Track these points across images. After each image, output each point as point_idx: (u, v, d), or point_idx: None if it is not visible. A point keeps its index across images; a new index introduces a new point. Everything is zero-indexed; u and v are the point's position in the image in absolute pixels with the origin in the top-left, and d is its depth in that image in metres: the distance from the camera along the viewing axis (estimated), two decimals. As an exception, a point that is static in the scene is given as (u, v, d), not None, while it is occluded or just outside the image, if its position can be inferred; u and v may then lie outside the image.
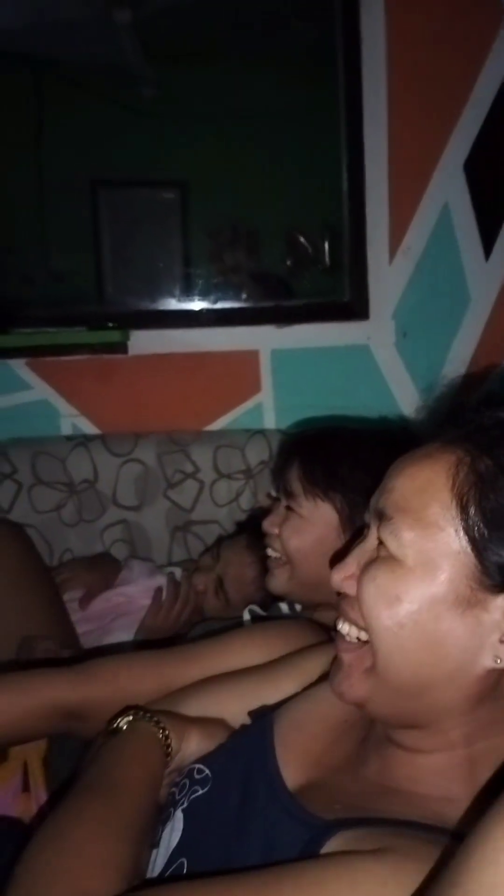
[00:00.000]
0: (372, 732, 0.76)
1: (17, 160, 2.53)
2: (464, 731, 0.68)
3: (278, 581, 1.20)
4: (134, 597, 1.59)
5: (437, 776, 0.69)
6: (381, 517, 0.69)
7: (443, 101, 1.80)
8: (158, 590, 1.53)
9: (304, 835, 0.65)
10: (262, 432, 1.81)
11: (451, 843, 0.58)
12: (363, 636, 0.70)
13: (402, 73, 1.79)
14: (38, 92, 2.57)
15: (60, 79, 2.56)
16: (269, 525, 1.20)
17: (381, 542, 0.69)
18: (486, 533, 0.64)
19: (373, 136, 1.82)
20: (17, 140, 2.52)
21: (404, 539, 0.67)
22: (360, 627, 0.70)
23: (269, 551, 1.22)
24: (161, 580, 1.60)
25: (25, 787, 1.13)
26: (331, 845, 0.63)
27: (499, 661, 0.65)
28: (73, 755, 1.08)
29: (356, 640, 0.71)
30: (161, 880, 0.72)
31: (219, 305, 2.03)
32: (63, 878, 0.64)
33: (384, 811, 0.66)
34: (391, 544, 0.67)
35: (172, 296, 2.19)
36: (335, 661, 0.74)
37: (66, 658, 1.25)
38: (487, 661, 0.65)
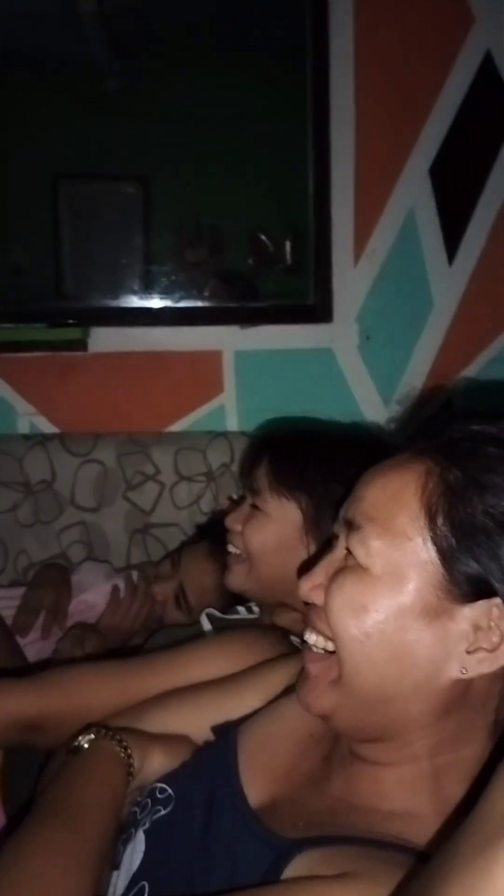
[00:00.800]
0: (337, 747, 0.76)
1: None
2: (429, 742, 0.68)
3: (236, 577, 1.20)
4: (94, 603, 1.56)
5: (402, 790, 0.69)
6: (351, 526, 0.69)
7: (409, 107, 1.81)
8: (115, 588, 1.51)
9: (267, 855, 0.65)
10: (224, 434, 1.79)
11: (416, 863, 0.57)
12: (330, 647, 0.70)
13: (369, 78, 1.80)
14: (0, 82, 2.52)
15: (22, 70, 2.51)
16: (231, 521, 1.20)
17: (349, 552, 0.69)
18: (454, 543, 0.64)
19: (339, 138, 1.82)
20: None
21: (372, 548, 0.66)
22: (326, 637, 0.70)
23: (230, 547, 1.21)
24: (118, 581, 1.57)
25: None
26: (294, 865, 0.62)
27: (465, 671, 0.64)
28: (30, 766, 1.06)
29: (323, 651, 0.71)
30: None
31: (182, 304, 2.00)
32: None
33: (348, 828, 0.66)
34: (359, 553, 0.67)
35: (134, 293, 2.16)
36: (301, 673, 0.74)
37: (21, 668, 1.22)
38: (454, 672, 0.65)
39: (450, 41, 1.79)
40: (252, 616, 1.27)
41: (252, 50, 2.35)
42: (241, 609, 1.31)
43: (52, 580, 1.59)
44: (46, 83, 2.48)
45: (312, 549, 1.10)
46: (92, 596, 1.57)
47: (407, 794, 0.68)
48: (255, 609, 1.28)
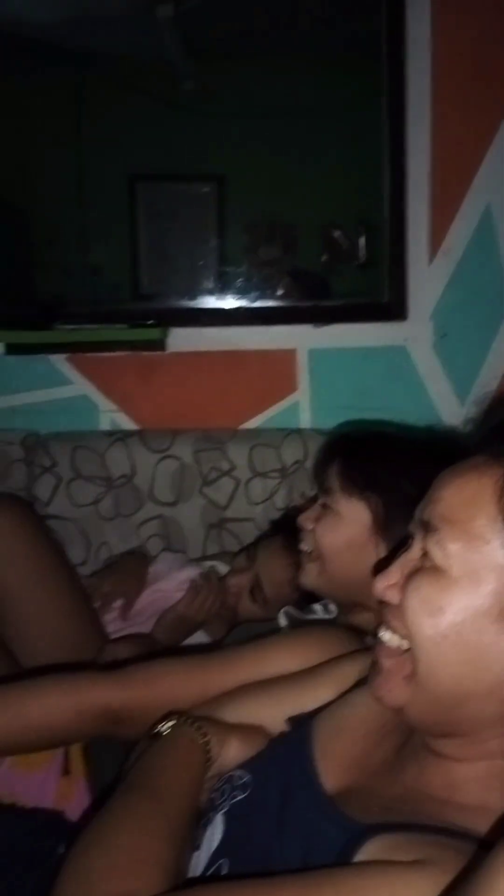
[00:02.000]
0: (410, 739, 0.77)
1: (56, 154, 2.55)
2: (503, 741, 0.69)
3: (308, 576, 1.22)
4: (169, 592, 1.61)
5: (475, 785, 0.70)
6: (427, 528, 0.70)
7: (487, 102, 1.78)
8: (193, 580, 1.55)
9: (341, 838, 0.67)
10: (297, 431, 1.81)
11: (478, 850, 0.59)
12: (405, 645, 0.71)
13: (446, 72, 1.78)
14: (79, 86, 2.59)
15: (100, 73, 2.57)
16: (304, 520, 1.22)
17: (425, 553, 0.70)
18: None
19: (415, 135, 1.81)
20: (58, 133, 2.55)
21: (450, 550, 0.67)
22: (401, 636, 0.71)
23: (302, 545, 1.24)
24: (193, 571, 1.62)
25: (66, 770, 1.16)
26: (367, 849, 0.64)
27: None
28: (114, 746, 1.11)
29: (397, 648, 0.72)
30: (203, 879, 0.74)
31: (257, 304, 2.04)
32: (110, 875, 0.66)
33: (421, 817, 0.67)
34: (436, 555, 0.68)
35: (210, 293, 2.20)
36: (374, 665, 0.75)
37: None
38: None
39: (530, 33, 1.77)
40: (328, 616, 1.30)
41: (326, 45, 2.36)
42: (317, 608, 1.33)
43: (127, 569, 1.66)
44: (124, 85, 2.54)
45: (382, 549, 1.12)
46: (166, 584, 1.62)
47: (480, 789, 0.69)
48: (332, 608, 1.30)
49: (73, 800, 1.14)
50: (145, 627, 1.55)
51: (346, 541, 1.16)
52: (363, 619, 1.17)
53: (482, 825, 0.65)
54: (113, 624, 1.57)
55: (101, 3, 2.46)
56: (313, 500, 1.28)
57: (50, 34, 2.51)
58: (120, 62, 2.56)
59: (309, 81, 2.39)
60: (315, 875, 0.63)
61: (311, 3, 2.33)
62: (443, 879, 0.57)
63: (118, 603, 1.59)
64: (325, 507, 1.19)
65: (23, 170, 2.53)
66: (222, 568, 1.66)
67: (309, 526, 1.21)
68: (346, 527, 1.16)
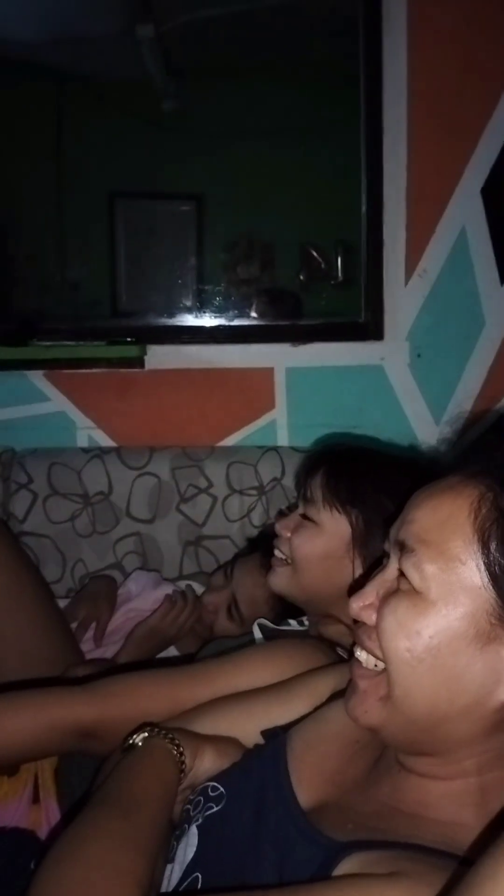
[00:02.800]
0: (384, 755, 0.78)
1: (37, 169, 2.56)
2: (477, 760, 0.69)
3: (278, 580, 1.22)
4: (143, 611, 1.60)
5: (449, 802, 0.70)
6: (403, 548, 0.70)
7: (462, 127, 1.82)
8: (169, 596, 1.55)
9: (317, 855, 0.67)
10: (275, 449, 1.83)
11: (460, 867, 0.59)
12: (380, 665, 0.71)
13: (422, 97, 1.82)
14: (60, 103, 2.61)
15: (82, 91, 2.59)
16: (281, 527, 1.22)
17: (401, 574, 0.70)
18: None
19: (392, 158, 1.84)
20: (38, 149, 2.56)
21: (427, 572, 0.67)
22: (376, 657, 0.71)
23: (276, 552, 1.24)
24: (168, 589, 1.62)
25: (35, 799, 1.15)
26: (344, 866, 0.64)
27: None
28: (84, 769, 1.10)
29: (372, 668, 0.72)
30: (177, 894, 0.74)
31: (235, 322, 2.05)
32: (82, 888, 0.65)
33: (395, 833, 0.67)
34: (413, 577, 0.68)
35: (189, 311, 2.21)
36: (350, 685, 0.75)
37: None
38: (502, 695, 0.66)
39: (501, 66, 1.80)
40: (302, 628, 1.30)
41: (305, 69, 2.39)
42: (292, 622, 1.33)
43: (98, 593, 1.65)
44: (105, 103, 2.56)
45: (358, 563, 1.12)
46: (141, 603, 1.62)
47: (453, 805, 0.70)
48: (306, 622, 1.31)
49: (44, 826, 1.13)
50: (120, 647, 1.54)
51: (322, 552, 1.16)
52: (335, 630, 1.17)
53: (456, 840, 0.66)
54: (87, 646, 1.57)
55: (83, 23, 2.48)
56: (292, 507, 1.28)
57: (32, 52, 2.52)
58: (101, 81, 2.58)
59: (288, 103, 2.43)
60: (294, 890, 0.63)
61: (290, 26, 2.37)
62: (418, 890, 0.57)
63: (91, 628, 1.58)
64: (304, 516, 1.19)
65: (2, 185, 2.54)
66: (197, 587, 1.66)
67: (286, 534, 1.21)
68: (324, 538, 1.16)
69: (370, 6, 1.82)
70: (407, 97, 1.82)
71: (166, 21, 2.38)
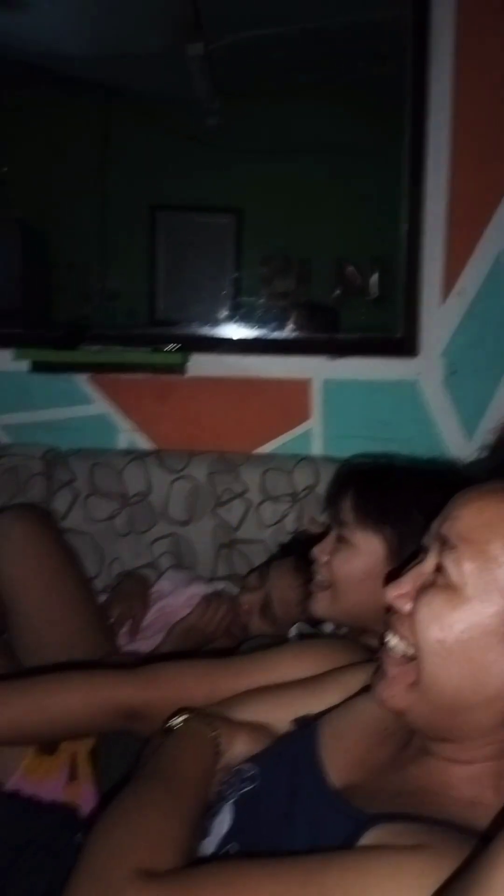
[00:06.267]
0: (411, 741, 0.82)
1: (82, 181, 2.64)
2: (495, 747, 0.74)
3: (320, 605, 1.25)
4: (176, 607, 1.65)
5: (470, 783, 0.74)
6: (445, 543, 0.74)
7: (503, 152, 1.87)
8: (208, 595, 1.60)
9: (346, 825, 0.71)
10: (309, 458, 1.87)
11: (479, 843, 0.63)
12: (410, 651, 0.75)
13: (466, 121, 1.86)
14: (106, 116, 2.69)
15: (127, 105, 2.67)
16: (319, 552, 1.25)
17: (439, 567, 0.74)
18: None
19: (434, 179, 1.88)
20: (84, 162, 2.64)
21: (465, 569, 0.72)
22: (408, 643, 0.75)
23: (317, 577, 1.26)
24: (202, 588, 1.66)
25: (73, 777, 1.21)
26: (370, 836, 0.68)
27: None
28: (118, 751, 1.16)
29: (402, 655, 0.76)
30: (215, 856, 0.78)
31: (274, 334, 2.11)
32: (130, 852, 0.70)
33: (420, 810, 0.71)
34: (452, 572, 0.72)
35: (229, 321, 2.27)
36: (378, 670, 0.79)
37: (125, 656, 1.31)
38: None
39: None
40: (339, 632, 1.34)
41: (350, 86, 2.45)
42: (329, 627, 1.37)
43: (132, 591, 1.71)
44: (150, 118, 2.63)
45: None
46: (174, 599, 1.67)
47: (474, 786, 0.74)
48: (343, 630, 1.34)
49: (80, 803, 1.19)
50: (153, 642, 1.60)
51: (361, 572, 1.19)
52: (373, 642, 1.21)
53: (476, 818, 0.69)
54: (122, 641, 1.62)
55: (132, 40, 2.56)
56: (326, 531, 1.32)
57: (81, 67, 2.61)
58: (146, 96, 2.66)
59: (331, 121, 2.49)
60: (322, 857, 0.67)
61: (335, 48, 2.43)
62: (441, 863, 0.61)
63: (126, 626, 1.63)
64: (339, 539, 1.22)
65: (48, 196, 2.62)
66: (231, 589, 1.71)
67: (324, 558, 1.24)
68: (361, 558, 1.19)
69: (418, 31, 1.87)
70: (451, 121, 1.86)
71: (215, 40, 2.45)
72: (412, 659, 0.75)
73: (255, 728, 0.94)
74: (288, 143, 2.57)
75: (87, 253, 2.72)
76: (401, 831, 0.67)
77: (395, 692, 0.77)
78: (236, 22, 2.45)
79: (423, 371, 1.92)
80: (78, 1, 2.47)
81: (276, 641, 1.30)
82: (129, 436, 1.96)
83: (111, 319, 2.62)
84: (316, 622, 1.36)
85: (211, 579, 1.81)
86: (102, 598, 1.70)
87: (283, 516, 1.84)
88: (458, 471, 1.58)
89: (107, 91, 2.69)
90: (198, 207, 2.77)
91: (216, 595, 1.63)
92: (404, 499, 1.18)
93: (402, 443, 1.78)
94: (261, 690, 1.01)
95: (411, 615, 0.74)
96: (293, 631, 1.36)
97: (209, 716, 0.92)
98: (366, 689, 0.91)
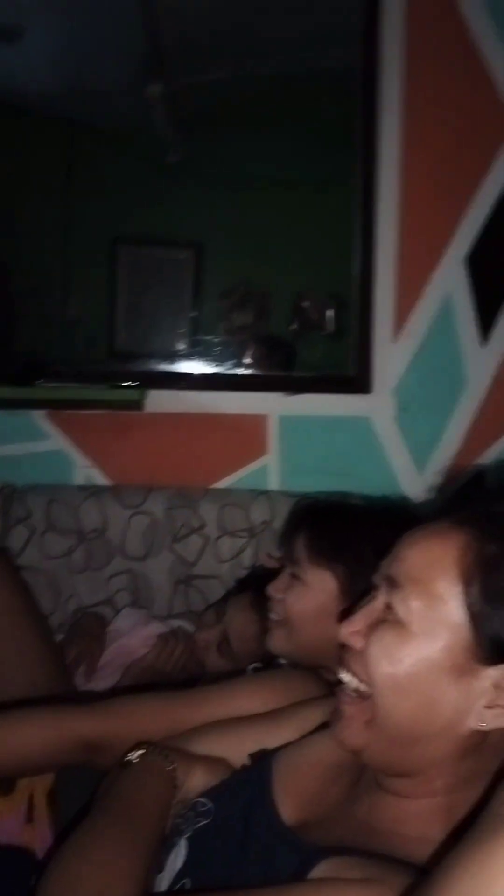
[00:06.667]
0: (363, 778, 0.84)
1: (44, 213, 2.66)
2: (447, 781, 0.76)
3: (276, 641, 1.28)
4: (133, 647, 1.66)
5: (419, 819, 0.77)
6: (392, 583, 0.77)
7: (452, 197, 1.93)
8: (165, 635, 1.61)
9: (297, 859, 0.74)
10: (266, 493, 1.90)
11: (418, 877, 0.65)
12: (363, 688, 0.78)
13: (416, 165, 1.92)
14: (69, 149, 2.72)
15: (90, 138, 2.70)
16: (273, 590, 1.28)
17: (389, 606, 0.77)
18: (484, 610, 0.73)
19: (385, 221, 1.94)
20: (45, 194, 2.66)
21: (412, 607, 0.75)
22: (360, 679, 0.78)
23: (272, 614, 1.29)
24: (159, 628, 1.67)
25: (29, 819, 1.20)
26: (319, 869, 0.71)
27: (482, 724, 0.73)
28: (78, 789, 1.16)
29: (356, 692, 0.79)
30: (169, 892, 0.80)
31: (232, 371, 2.14)
32: (88, 884, 0.71)
33: (369, 846, 0.74)
34: (400, 610, 0.76)
35: (187, 357, 2.30)
36: (336, 712, 0.82)
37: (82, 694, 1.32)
38: (473, 723, 0.73)
39: (490, 139, 1.92)
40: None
41: (307, 125, 2.51)
42: (283, 661, 1.39)
43: (88, 631, 1.71)
44: (111, 152, 2.67)
45: None
46: (131, 640, 1.68)
47: (423, 822, 0.76)
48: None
49: (36, 846, 1.18)
50: (110, 681, 1.60)
51: (314, 609, 1.22)
52: (329, 677, 1.23)
53: (424, 855, 0.72)
54: (78, 681, 1.62)
55: (95, 77, 2.60)
56: (280, 569, 1.34)
57: (45, 101, 2.64)
58: (109, 129, 2.69)
59: (289, 159, 2.54)
60: (274, 889, 0.70)
61: (291, 88, 2.49)
62: (388, 895, 0.63)
63: (83, 666, 1.63)
64: (293, 576, 1.25)
65: (9, 227, 2.63)
66: (188, 626, 1.72)
67: (278, 595, 1.27)
68: (314, 596, 1.22)
69: (368, 76, 1.93)
70: (401, 165, 1.92)
71: (175, 79, 2.50)
72: (367, 697, 0.78)
73: (212, 762, 0.96)
74: (247, 179, 2.62)
75: (47, 284, 2.73)
76: (350, 865, 0.70)
77: (353, 731, 0.79)
78: (195, 62, 2.50)
79: (376, 408, 1.97)
80: (42, 38, 2.51)
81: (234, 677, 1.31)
82: (85, 472, 1.97)
83: (69, 352, 2.62)
84: (273, 658, 1.38)
85: (167, 616, 1.82)
86: (59, 636, 1.70)
87: (240, 551, 1.86)
88: (408, 509, 1.63)
89: (70, 124, 2.72)
90: (158, 241, 2.79)
91: (172, 633, 1.64)
92: (356, 537, 1.22)
93: (356, 478, 1.83)
94: (218, 724, 1.03)
95: (363, 652, 0.77)
96: (250, 668, 1.38)
97: (166, 749, 0.94)
98: (322, 726, 0.94)
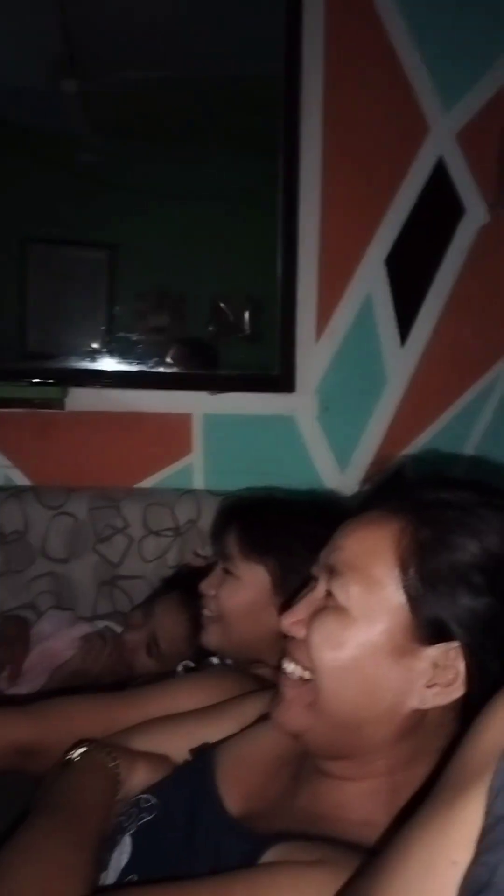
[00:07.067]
0: (304, 767, 0.85)
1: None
2: (388, 762, 0.78)
3: (211, 637, 1.28)
4: (59, 649, 1.62)
5: (362, 801, 0.78)
6: (332, 572, 0.79)
7: (371, 200, 1.98)
8: (87, 635, 1.58)
9: (245, 848, 0.74)
10: (191, 492, 1.89)
11: (366, 857, 0.66)
12: (306, 675, 0.79)
13: (335, 172, 1.96)
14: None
15: (1, 136, 2.63)
16: (206, 586, 1.29)
17: (329, 594, 0.79)
18: (421, 592, 0.75)
19: (307, 225, 1.97)
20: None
21: (351, 592, 0.76)
22: (304, 667, 0.79)
23: (205, 611, 1.29)
24: (84, 629, 1.64)
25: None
26: (269, 854, 0.71)
27: (423, 703, 0.75)
28: (7, 796, 1.12)
29: (300, 681, 0.80)
30: (116, 885, 0.78)
31: (156, 369, 2.12)
32: (35, 882, 0.69)
33: (315, 832, 0.75)
34: (340, 596, 0.77)
35: (108, 355, 2.27)
36: (276, 695, 0.83)
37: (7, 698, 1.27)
38: (414, 703, 0.75)
39: (407, 146, 1.98)
40: (225, 665, 1.36)
41: (227, 130, 2.53)
42: (214, 660, 1.39)
43: (11, 635, 1.66)
44: (23, 150, 2.61)
45: (281, 608, 1.21)
46: (56, 643, 1.63)
47: (366, 805, 0.78)
48: (229, 662, 1.36)
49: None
50: (35, 685, 1.55)
51: (247, 603, 1.23)
52: (261, 672, 1.23)
53: (369, 838, 0.73)
54: (1, 685, 1.56)
55: (6, 73, 2.54)
56: (211, 565, 1.35)
57: None
58: (19, 127, 2.63)
59: (208, 163, 2.55)
60: (226, 875, 0.69)
61: (210, 92, 2.50)
62: (340, 877, 0.64)
63: (6, 670, 1.59)
64: (225, 572, 1.26)
65: None
66: (115, 627, 1.69)
67: (211, 592, 1.27)
68: (246, 590, 1.24)
69: (290, 87, 1.97)
70: (321, 172, 1.96)
71: (91, 78, 2.47)
72: (309, 681, 0.79)
73: (154, 758, 0.95)
74: (164, 184, 2.61)
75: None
76: (299, 849, 0.70)
77: (293, 714, 0.80)
78: (112, 62, 2.47)
79: (299, 407, 2.00)
80: None
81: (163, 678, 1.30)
82: (4, 472, 1.91)
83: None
84: (201, 657, 1.37)
85: (92, 618, 1.79)
86: None
87: (166, 551, 1.85)
88: (334, 502, 1.66)
89: (-24, 121, 2.63)
90: (71, 241, 2.75)
91: (99, 635, 1.60)
92: (286, 530, 1.24)
93: (280, 476, 1.84)
94: (157, 721, 1.02)
95: (306, 640, 0.78)
96: (179, 667, 1.37)
97: (108, 746, 0.92)
98: (261, 719, 0.94)
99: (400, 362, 2.01)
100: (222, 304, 2.58)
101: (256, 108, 2.23)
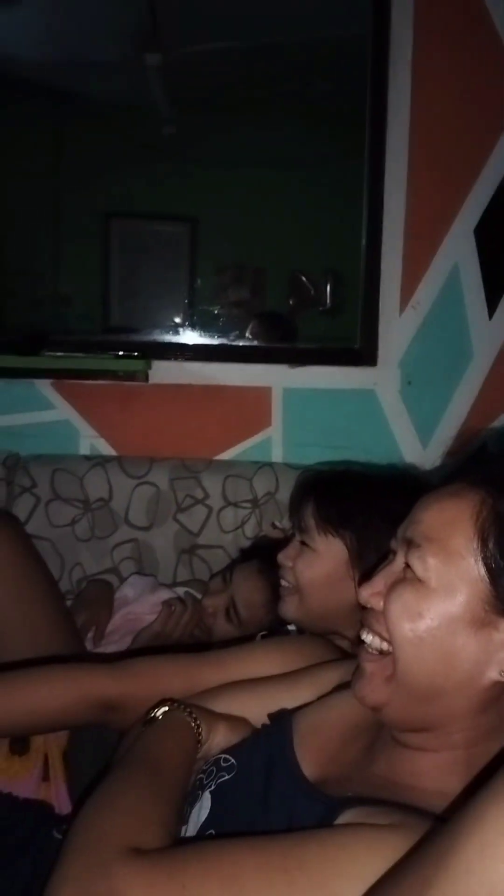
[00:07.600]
0: (380, 736, 0.85)
1: (35, 187, 2.62)
2: (466, 734, 0.77)
3: (288, 608, 1.29)
4: (141, 614, 1.66)
5: (438, 772, 0.78)
6: (410, 544, 0.79)
7: (459, 169, 1.93)
8: (169, 601, 1.61)
9: (320, 810, 0.75)
10: (269, 465, 1.90)
11: (437, 823, 0.66)
12: (385, 647, 0.79)
13: (423, 138, 1.92)
14: (61, 122, 2.68)
15: (83, 111, 2.66)
16: (283, 557, 1.29)
17: (407, 566, 0.79)
18: (501, 564, 0.74)
19: (392, 195, 1.94)
20: (37, 167, 2.63)
21: (430, 564, 0.76)
22: (382, 639, 0.79)
23: (282, 581, 1.30)
24: (166, 594, 1.67)
25: (45, 777, 1.21)
26: (345, 817, 0.72)
27: (503, 674, 0.74)
28: (91, 750, 1.17)
29: (378, 651, 0.80)
30: (196, 837, 0.81)
31: (236, 342, 2.13)
32: (119, 831, 0.71)
33: (390, 798, 0.75)
34: (418, 568, 0.77)
35: (190, 329, 2.29)
36: (357, 669, 0.83)
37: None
38: (493, 675, 0.75)
39: (500, 110, 1.91)
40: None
41: (310, 99, 2.50)
42: (291, 628, 1.40)
43: (97, 598, 1.71)
44: (105, 125, 2.63)
45: (358, 581, 1.21)
46: (139, 607, 1.68)
47: (442, 775, 0.78)
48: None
49: (54, 801, 1.19)
50: (119, 647, 1.60)
51: (324, 576, 1.24)
52: (341, 643, 1.24)
53: (440, 808, 0.73)
54: (87, 647, 1.62)
55: (89, 47, 2.56)
56: (289, 537, 1.35)
57: (37, 72, 2.59)
58: (103, 103, 2.66)
59: (287, 135, 2.53)
60: (301, 833, 0.70)
61: (295, 62, 2.47)
62: (414, 841, 0.64)
63: (91, 632, 1.63)
64: (303, 544, 1.27)
65: (1, 201, 2.59)
66: (195, 593, 1.72)
67: (289, 563, 1.28)
68: (323, 563, 1.24)
69: (378, 47, 1.92)
70: (409, 137, 1.92)
71: (172, 50, 2.46)
72: (387, 654, 0.79)
73: (234, 720, 0.96)
74: (244, 154, 2.60)
75: (39, 259, 2.70)
76: (374, 813, 0.71)
77: (374, 687, 0.80)
78: (195, 34, 2.47)
79: (381, 381, 1.97)
80: (34, 6, 2.46)
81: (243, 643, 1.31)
82: (90, 442, 1.96)
83: (63, 326, 2.60)
84: (281, 625, 1.38)
85: (173, 584, 1.82)
86: (66, 603, 1.69)
87: (244, 522, 1.86)
88: (412, 476, 1.64)
89: (62, 96, 2.67)
90: (152, 215, 2.77)
91: (179, 600, 1.64)
92: (363, 504, 1.23)
93: (359, 450, 1.82)
94: (237, 684, 1.04)
95: (384, 611, 0.78)
96: (259, 636, 1.38)
97: (190, 706, 0.94)
98: (339, 688, 0.95)
99: (487, 336, 1.96)
100: (303, 277, 2.56)
101: (341, 72, 2.19)
